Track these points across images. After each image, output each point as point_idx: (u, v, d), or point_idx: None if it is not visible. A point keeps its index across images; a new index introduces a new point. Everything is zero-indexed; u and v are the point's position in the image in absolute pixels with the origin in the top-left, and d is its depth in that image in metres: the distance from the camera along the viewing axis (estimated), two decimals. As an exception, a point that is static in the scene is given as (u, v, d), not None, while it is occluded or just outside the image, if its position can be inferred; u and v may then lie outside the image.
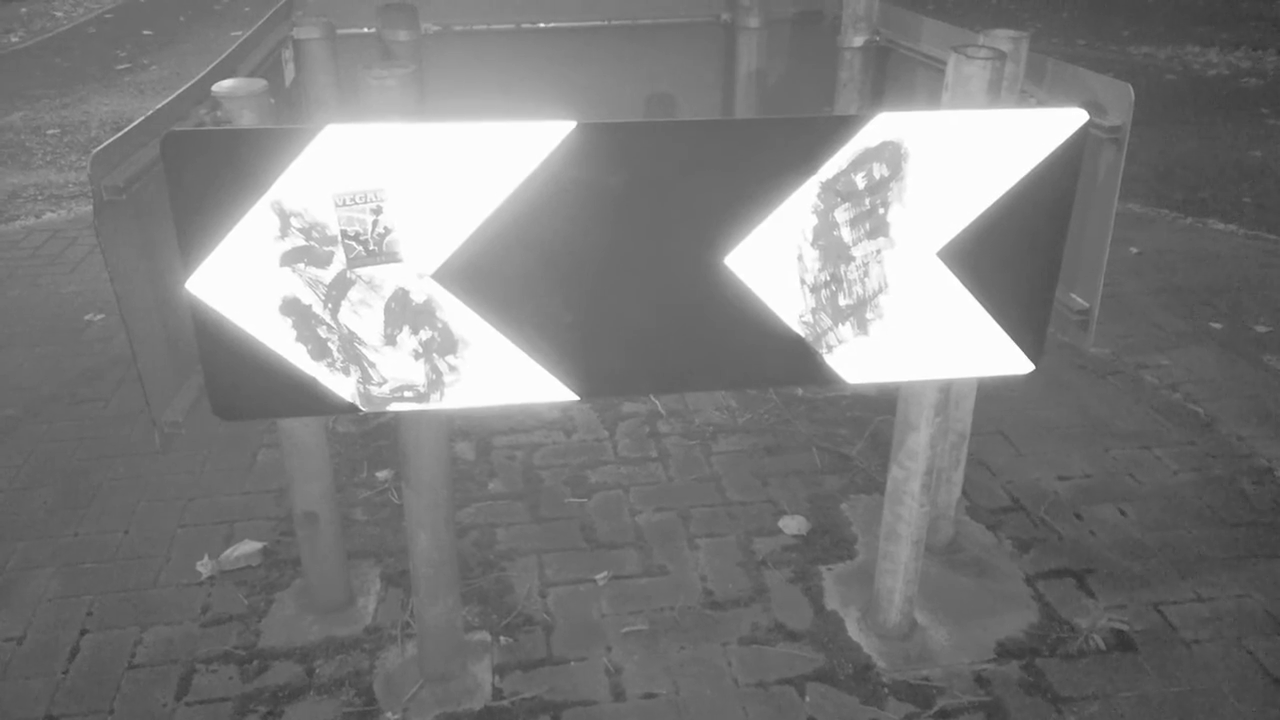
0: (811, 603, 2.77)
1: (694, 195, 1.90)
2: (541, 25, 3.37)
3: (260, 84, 2.08)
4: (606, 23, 3.43)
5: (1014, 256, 2.03)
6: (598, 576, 2.88)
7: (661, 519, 3.12)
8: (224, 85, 2.06)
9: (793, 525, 3.07)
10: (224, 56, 2.42)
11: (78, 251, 5.13)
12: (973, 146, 1.93)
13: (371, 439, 3.51)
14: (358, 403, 1.98)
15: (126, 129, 1.90)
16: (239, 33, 2.74)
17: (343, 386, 1.95)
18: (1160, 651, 2.60)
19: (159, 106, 2.01)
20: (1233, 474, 3.31)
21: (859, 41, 3.14)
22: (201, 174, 1.76)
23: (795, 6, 3.57)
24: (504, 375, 1.99)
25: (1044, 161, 1.96)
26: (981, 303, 2.06)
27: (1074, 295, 2.37)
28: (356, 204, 1.82)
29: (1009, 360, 2.14)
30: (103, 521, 3.11)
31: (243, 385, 1.93)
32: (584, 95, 3.45)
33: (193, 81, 2.18)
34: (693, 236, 1.94)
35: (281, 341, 1.90)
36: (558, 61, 3.44)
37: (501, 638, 2.65)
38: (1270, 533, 3.03)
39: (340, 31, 3.23)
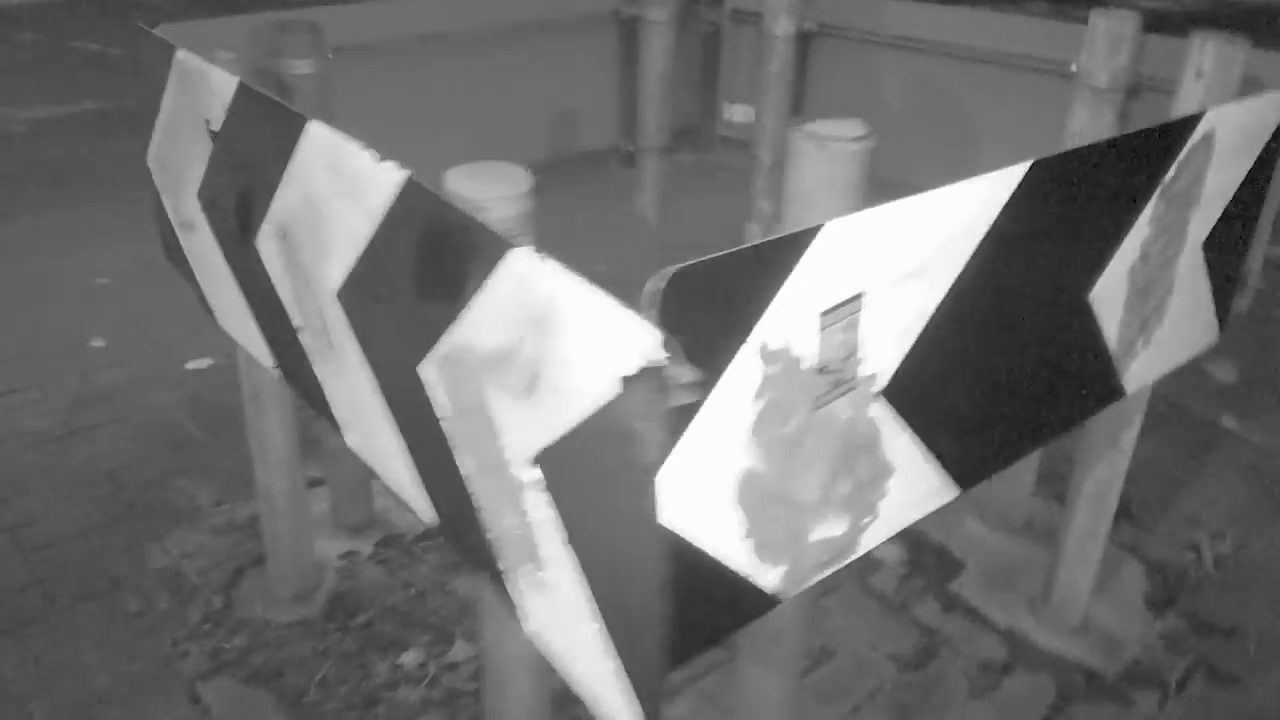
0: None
1: (1073, 229, 1.62)
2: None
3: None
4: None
5: (1236, 238, 2.04)
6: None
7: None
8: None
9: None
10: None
11: None
12: (1246, 135, 1.88)
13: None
14: (780, 590, 1.41)
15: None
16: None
17: (767, 576, 1.37)
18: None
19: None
20: None
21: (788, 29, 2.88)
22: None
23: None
24: (914, 494, 1.55)
25: (1266, 145, 1.97)
26: (1213, 288, 2.04)
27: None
28: (838, 321, 1.28)
29: (1207, 336, 2.14)
30: None
31: (694, 610, 1.27)
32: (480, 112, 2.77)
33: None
34: (1063, 277, 1.66)
35: (729, 539, 1.28)
36: (451, 79, 2.74)
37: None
38: None
39: None
